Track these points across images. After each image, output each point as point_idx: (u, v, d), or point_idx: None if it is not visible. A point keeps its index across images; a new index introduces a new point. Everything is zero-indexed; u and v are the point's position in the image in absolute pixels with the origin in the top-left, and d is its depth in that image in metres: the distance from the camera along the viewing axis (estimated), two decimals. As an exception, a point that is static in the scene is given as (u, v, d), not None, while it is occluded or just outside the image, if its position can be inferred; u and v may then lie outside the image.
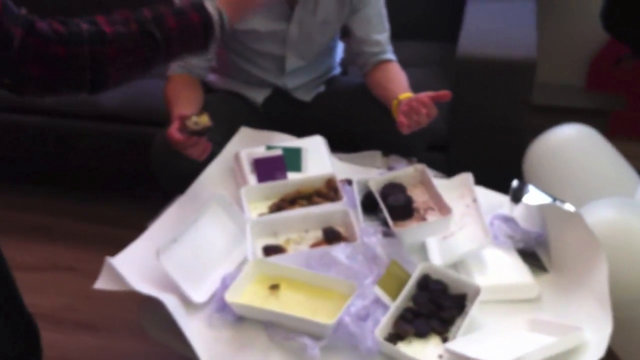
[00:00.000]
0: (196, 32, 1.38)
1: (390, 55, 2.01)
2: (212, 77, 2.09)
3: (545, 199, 1.55)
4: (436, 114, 1.71)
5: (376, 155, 1.93)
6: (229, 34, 1.94)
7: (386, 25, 2.02)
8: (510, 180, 1.70)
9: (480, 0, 2.36)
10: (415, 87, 2.20)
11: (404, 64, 2.32)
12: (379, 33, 2.00)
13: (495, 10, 2.30)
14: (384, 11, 2.01)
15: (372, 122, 1.95)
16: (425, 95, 1.72)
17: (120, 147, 2.46)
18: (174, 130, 1.68)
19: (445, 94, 1.70)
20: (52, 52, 1.22)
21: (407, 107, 1.72)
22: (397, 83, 1.91)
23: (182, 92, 1.90)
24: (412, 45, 2.56)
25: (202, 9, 1.39)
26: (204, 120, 1.66)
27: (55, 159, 2.60)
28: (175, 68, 1.94)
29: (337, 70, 2.20)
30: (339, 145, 1.95)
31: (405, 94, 1.82)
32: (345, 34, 2.07)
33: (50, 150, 2.55)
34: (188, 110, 1.76)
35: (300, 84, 2.09)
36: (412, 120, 1.71)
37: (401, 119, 1.72)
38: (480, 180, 1.75)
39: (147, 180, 2.13)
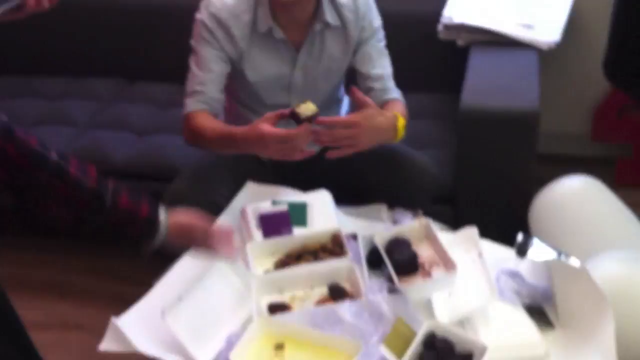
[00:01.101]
0: (137, 224, 1.46)
1: (395, 94, 2.04)
2: (220, 112, 2.10)
3: (551, 253, 1.55)
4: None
5: (381, 208, 1.94)
6: (237, 85, 2.00)
7: (387, 62, 2.05)
8: (517, 230, 1.70)
9: (482, 52, 2.38)
10: (419, 138, 2.23)
11: (408, 115, 2.35)
12: (380, 68, 2.03)
13: (498, 61, 2.32)
14: (384, 50, 2.05)
15: (377, 175, 1.97)
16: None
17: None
18: (265, 127, 1.74)
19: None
20: (17, 159, 1.30)
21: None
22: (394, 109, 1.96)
23: (215, 121, 1.92)
24: (415, 97, 2.56)
25: (155, 210, 1.48)
26: (311, 107, 1.75)
27: (66, 217, 2.62)
28: (193, 104, 1.93)
29: (344, 123, 2.22)
30: (344, 197, 1.96)
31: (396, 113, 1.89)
32: (351, 84, 2.10)
33: (61, 208, 2.56)
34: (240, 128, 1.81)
35: (306, 134, 2.11)
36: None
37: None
38: (486, 232, 1.75)
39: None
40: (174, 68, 2.71)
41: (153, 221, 1.47)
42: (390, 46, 2.06)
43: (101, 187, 1.39)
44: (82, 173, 1.37)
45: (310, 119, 1.73)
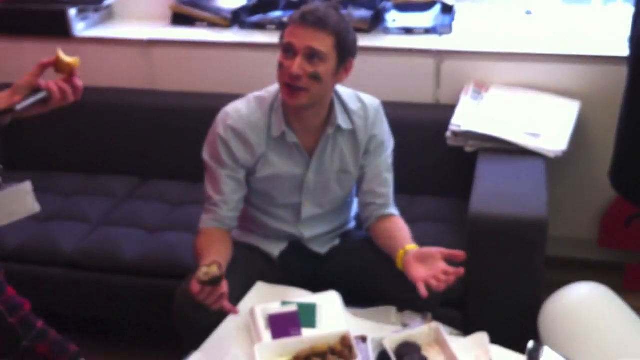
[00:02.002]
0: None
1: (394, 209, 2.09)
2: (234, 225, 2.14)
3: (562, 362, 1.54)
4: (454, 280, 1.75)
5: (391, 310, 1.94)
6: (251, 188, 2.04)
7: (392, 180, 2.11)
8: (528, 336, 1.69)
9: (490, 159, 2.43)
10: (429, 242, 2.23)
11: (418, 219, 2.38)
12: (386, 187, 2.08)
13: (506, 168, 2.36)
14: (391, 167, 2.11)
15: (386, 279, 1.97)
16: (438, 251, 1.78)
17: (139, 300, 2.47)
18: (193, 282, 1.73)
19: (459, 254, 1.75)
20: None
21: (423, 264, 1.78)
22: (402, 235, 1.98)
23: (213, 246, 1.95)
24: (424, 201, 2.62)
25: None
26: (213, 270, 1.73)
27: (74, 310, 2.62)
28: (206, 221, 2.01)
29: (352, 224, 2.26)
30: (353, 299, 1.96)
31: (411, 246, 1.89)
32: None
33: (68, 302, 2.57)
34: (214, 259, 1.82)
35: (316, 234, 2.14)
36: (439, 281, 1.74)
37: (419, 277, 1.76)
38: (495, 336, 1.74)
39: (165, 333, 2.14)
40: (186, 167, 2.80)
41: None
42: (400, 151, 2.12)
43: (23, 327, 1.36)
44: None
45: (211, 283, 1.72)
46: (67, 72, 1.44)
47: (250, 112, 1.99)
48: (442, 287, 1.74)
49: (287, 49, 1.87)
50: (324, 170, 2.04)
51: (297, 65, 1.84)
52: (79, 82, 1.49)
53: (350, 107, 2.02)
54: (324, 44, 1.85)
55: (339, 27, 1.88)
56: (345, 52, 1.90)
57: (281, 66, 1.89)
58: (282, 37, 1.91)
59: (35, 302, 1.97)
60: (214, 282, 1.72)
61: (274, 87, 2.02)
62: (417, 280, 1.76)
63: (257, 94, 2.04)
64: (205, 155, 2.03)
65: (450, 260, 1.78)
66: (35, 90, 1.49)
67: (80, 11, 3.03)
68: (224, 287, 1.76)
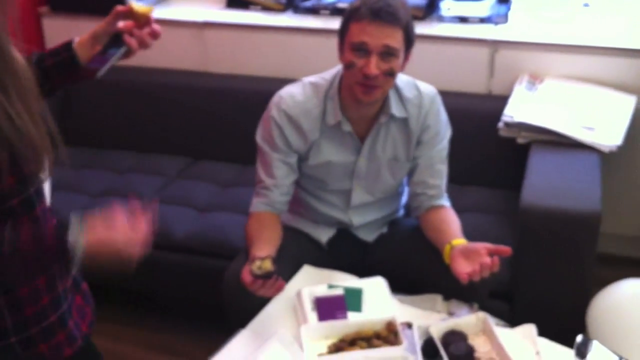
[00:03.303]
0: (51, 257, 1.31)
1: (445, 201, 2.05)
2: (284, 211, 2.15)
3: (612, 357, 1.52)
4: (498, 268, 1.72)
5: (437, 299, 1.94)
6: (302, 172, 2.05)
7: (446, 171, 2.08)
8: (575, 331, 1.68)
9: (543, 151, 2.40)
10: (478, 233, 2.21)
11: (468, 209, 2.37)
12: (439, 178, 2.05)
13: (559, 161, 2.33)
14: (446, 158, 2.08)
15: (433, 268, 1.96)
16: (483, 246, 1.75)
17: (188, 278, 2.52)
18: (245, 272, 1.76)
19: (505, 250, 1.73)
20: None
21: (467, 258, 1.76)
22: (451, 228, 1.95)
23: (264, 231, 1.97)
24: (474, 191, 2.61)
25: (61, 236, 1.29)
26: (267, 265, 1.75)
27: (125, 286, 2.68)
28: (258, 205, 2.03)
29: (401, 213, 2.25)
30: (399, 286, 1.96)
31: (458, 240, 1.86)
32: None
33: (121, 277, 2.61)
34: (266, 250, 1.85)
35: (365, 221, 2.14)
36: (475, 274, 1.73)
37: (462, 273, 1.74)
38: (543, 330, 1.73)
39: (213, 311, 2.17)
40: (237, 149, 2.83)
41: (62, 248, 1.29)
42: (453, 141, 2.09)
43: None
44: None
45: (263, 277, 1.74)
46: (142, 22, 1.42)
47: (306, 99, 1.99)
48: (485, 274, 1.73)
49: (359, 48, 1.83)
50: (376, 157, 2.04)
51: (374, 65, 1.82)
52: (156, 27, 1.45)
53: (406, 94, 2.00)
54: (397, 40, 1.83)
55: (407, 18, 1.85)
56: (411, 42, 1.89)
57: (352, 65, 1.86)
58: (345, 32, 1.86)
59: (88, 275, 2.00)
60: (267, 276, 1.74)
61: (329, 74, 2.02)
62: (459, 274, 1.75)
63: (312, 79, 2.03)
64: (259, 139, 2.05)
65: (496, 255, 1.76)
66: (115, 38, 1.44)
67: (138, -8, 3.07)
68: (281, 282, 1.77)
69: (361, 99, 1.90)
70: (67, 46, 1.44)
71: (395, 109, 1.98)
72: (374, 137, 2.01)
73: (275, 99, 2.02)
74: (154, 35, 1.46)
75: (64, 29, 3.18)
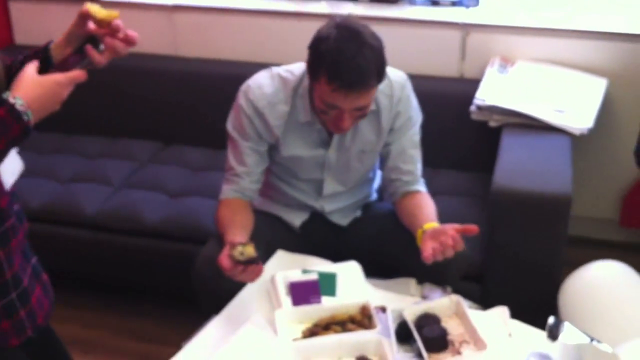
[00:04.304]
0: (9, 124, 1.25)
1: (420, 186, 2.05)
2: (255, 197, 2.14)
3: (583, 338, 1.54)
4: (462, 247, 1.73)
5: (410, 282, 1.95)
6: (274, 159, 2.04)
7: (419, 156, 2.07)
8: (546, 312, 1.69)
9: (514, 134, 2.42)
10: (450, 216, 2.22)
11: (440, 192, 2.38)
12: (412, 163, 2.05)
13: (530, 144, 2.35)
14: (418, 143, 2.07)
15: (406, 250, 1.96)
16: (451, 227, 1.75)
17: (160, 263, 2.50)
18: (223, 257, 1.73)
19: (472, 228, 1.73)
20: None
21: (434, 239, 1.74)
22: (425, 213, 1.94)
23: (237, 217, 1.95)
24: (448, 175, 2.62)
25: (3, 101, 1.25)
26: (249, 250, 1.72)
27: (95, 271, 2.65)
28: (228, 192, 2.01)
29: (374, 197, 2.25)
30: (373, 270, 1.97)
31: (430, 224, 1.85)
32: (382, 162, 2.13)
33: (91, 263, 2.60)
34: (241, 236, 1.83)
35: (337, 208, 2.14)
36: (437, 253, 1.72)
37: (426, 251, 1.73)
38: (514, 312, 1.75)
39: (184, 296, 2.16)
40: (208, 133, 2.81)
41: (13, 109, 1.25)
42: (424, 124, 2.09)
43: None
44: None
45: (245, 263, 1.71)
46: (104, 27, 1.32)
47: (273, 92, 1.96)
48: (449, 253, 1.72)
49: (332, 106, 1.82)
50: (345, 149, 2.02)
51: (347, 122, 1.84)
52: (132, 34, 1.36)
53: None
54: (370, 95, 1.83)
55: (378, 66, 1.80)
56: (383, 74, 1.84)
57: (323, 112, 1.85)
58: (316, 79, 1.81)
59: (57, 261, 1.99)
60: (250, 262, 1.72)
61: (298, 69, 1.98)
62: (423, 255, 1.73)
63: (281, 72, 2.00)
64: (229, 127, 2.03)
65: (465, 235, 1.76)
66: (90, 41, 1.36)
67: (106, -26, 3.02)
68: (260, 267, 1.75)
69: (332, 130, 1.92)
70: (45, 47, 1.39)
71: None
72: None
73: (244, 87, 2.00)
74: (129, 42, 1.37)
75: (32, 14, 3.12)
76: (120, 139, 2.97)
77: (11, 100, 1.24)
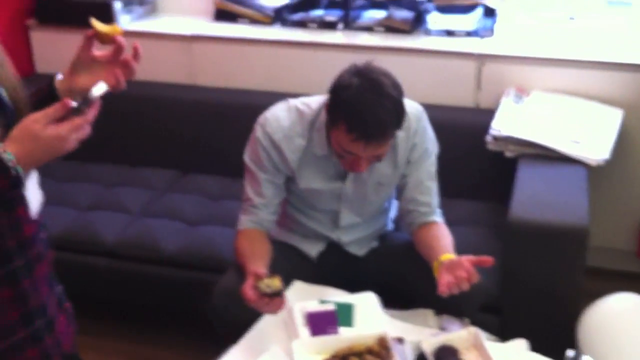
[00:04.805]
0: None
1: (436, 217, 2.05)
2: (273, 228, 2.15)
3: (602, 372, 1.53)
4: (478, 279, 1.73)
5: (428, 314, 1.95)
6: (291, 190, 2.05)
7: (436, 187, 2.08)
8: (565, 344, 1.68)
9: (530, 165, 2.42)
10: (466, 246, 2.22)
11: (456, 222, 2.37)
12: (428, 194, 2.05)
13: (546, 175, 2.35)
14: (434, 174, 2.08)
15: (423, 281, 1.96)
16: (466, 259, 1.75)
17: (177, 291, 2.51)
18: (248, 288, 1.75)
19: (487, 260, 1.74)
20: None
21: (449, 272, 1.75)
22: (441, 244, 1.94)
23: (256, 247, 1.97)
24: (463, 204, 2.62)
25: None
26: (276, 284, 1.74)
27: (113, 299, 2.67)
28: (246, 222, 2.02)
29: (391, 227, 2.26)
30: (390, 300, 1.97)
31: (446, 255, 1.85)
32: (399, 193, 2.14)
33: (109, 291, 2.61)
34: (262, 265, 1.85)
35: (354, 238, 2.15)
36: (452, 286, 1.73)
37: (442, 285, 1.74)
38: (534, 344, 1.74)
39: (202, 325, 2.16)
40: (225, 162, 2.83)
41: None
42: (440, 154, 2.10)
43: None
44: None
45: (272, 295, 1.74)
46: (108, 42, 1.32)
47: (290, 125, 1.98)
48: (464, 286, 1.73)
49: (349, 153, 1.85)
50: (362, 182, 2.03)
51: (364, 166, 1.87)
52: (130, 63, 1.35)
53: None
54: (387, 144, 1.86)
55: (398, 116, 1.82)
56: (401, 123, 1.87)
57: (341, 156, 1.89)
58: (335, 124, 1.83)
59: (76, 288, 1.99)
60: (276, 294, 1.74)
61: (315, 103, 2.00)
62: (438, 287, 1.75)
63: (298, 104, 2.01)
64: (246, 158, 2.04)
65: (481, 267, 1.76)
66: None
67: (126, 4, 3.07)
68: (285, 301, 1.77)
69: (348, 171, 1.95)
70: (49, 85, 1.38)
71: None
72: None
73: (261, 119, 2.02)
74: (128, 71, 1.37)
75: (51, 41, 3.18)
76: (138, 167, 2.99)
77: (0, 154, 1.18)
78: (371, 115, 1.77)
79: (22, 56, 3.15)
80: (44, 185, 1.48)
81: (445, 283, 1.73)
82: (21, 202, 1.31)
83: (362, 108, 1.78)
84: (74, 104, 1.23)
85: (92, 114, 1.26)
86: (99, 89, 1.27)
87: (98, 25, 1.33)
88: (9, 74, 1.29)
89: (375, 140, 1.80)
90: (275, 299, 1.74)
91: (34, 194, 1.36)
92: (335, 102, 1.85)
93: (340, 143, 1.84)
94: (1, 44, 1.30)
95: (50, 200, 2.57)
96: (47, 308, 1.38)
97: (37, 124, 1.21)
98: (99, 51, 1.37)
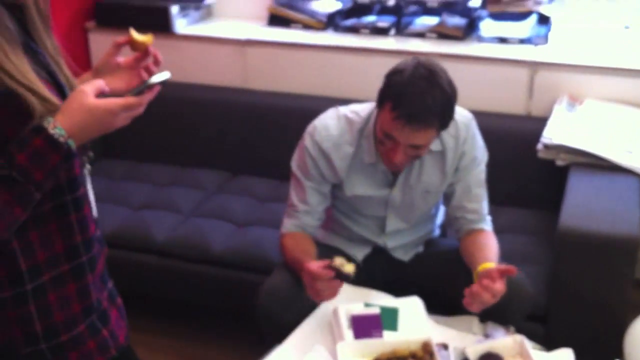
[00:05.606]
0: (46, 153, 1.20)
1: (484, 224, 2.05)
2: (316, 232, 2.18)
3: (649, 385, 1.51)
4: (502, 292, 1.74)
5: (473, 320, 1.94)
6: (337, 196, 2.07)
7: (485, 194, 2.07)
8: (611, 355, 1.66)
9: (582, 174, 2.39)
10: (515, 254, 2.23)
11: (505, 230, 2.37)
12: (477, 202, 2.05)
13: (598, 184, 2.32)
14: (483, 181, 2.07)
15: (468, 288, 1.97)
16: (496, 269, 1.76)
17: (224, 291, 2.55)
18: (312, 264, 1.80)
19: (511, 269, 1.75)
20: None
21: (479, 282, 1.77)
22: (483, 252, 1.93)
23: (306, 247, 2.00)
24: (511, 212, 2.60)
25: (41, 130, 1.20)
26: (349, 268, 1.78)
27: (162, 297, 2.72)
28: (290, 226, 2.06)
29: (437, 232, 2.26)
30: (435, 306, 1.97)
31: (485, 264, 1.85)
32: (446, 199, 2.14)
33: (158, 289, 2.66)
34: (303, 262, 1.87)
35: (400, 244, 2.16)
36: (476, 301, 1.74)
37: (466, 299, 1.76)
38: (579, 354, 1.73)
39: (248, 325, 2.19)
40: (275, 165, 2.86)
41: (51, 139, 1.20)
42: (490, 162, 2.10)
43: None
44: None
45: (340, 276, 1.78)
46: (141, 50, 1.41)
47: (339, 133, 2.00)
48: (481, 305, 1.75)
49: (388, 137, 1.85)
50: (409, 189, 2.04)
51: (400, 155, 1.86)
52: (151, 68, 1.43)
53: None
54: (426, 138, 1.85)
55: (444, 109, 1.82)
56: (447, 123, 1.87)
57: (381, 142, 1.90)
58: (382, 105, 1.85)
59: (126, 285, 2.05)
60: (343, 278, 1.78)
61: (364, 111, 2.02)
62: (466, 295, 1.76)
63: (347, 112, 2.03)
64: (293, 165, 2.07)
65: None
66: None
67: (182, 8, 3.13)
68: (340, 287, 1.82)
69: (387, 166, 1.95)
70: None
71: (432, 143, 1.98)
72: (407, 171, 2.02)
73: (310, 128, 2.04)
74: (156, 62, 1.45)
75: (109, 43, 3.24)
76: (190, 168, 3.04)
77: (50, 130, 1.19)
78: (417, 97, 1.78)
79: (81, 58, 3.24)
80: (97, 183, 1.53)
81: (468, 292, 1.74)
82: (87, 200, 1.36)
83: (410, 90, 1.79)
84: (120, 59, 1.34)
85: (147, 97, 1.29)
86: (161, 76, 1.32)
87: (135, 34, 1.41)
88: (67, 75, 1.35)
89: (415, 122, 1.79)
90: (335, 281, 1.77)
91: (91, 194, 1.42)
92: (386, 84, 1.87)
93: (382, 125, 1.85)
94: (61, 45, 1.36)
95: (105, 198, 2.70)
96: (102, 301, 1.43)
97: (87, 96, 1.23)
98: (121, 57, 1.45)
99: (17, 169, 1.18)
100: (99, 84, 1.26)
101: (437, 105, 1.80)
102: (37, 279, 1.30)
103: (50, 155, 1.19)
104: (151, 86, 1.30)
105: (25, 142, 1.19)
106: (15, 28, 1.25)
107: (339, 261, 1.78)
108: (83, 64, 3.30)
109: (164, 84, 1.31)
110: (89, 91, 1.23)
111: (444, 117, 1.84)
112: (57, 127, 1.20)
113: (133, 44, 1.43)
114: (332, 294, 1.82)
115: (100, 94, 1.25)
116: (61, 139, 1.20)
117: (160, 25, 3.06)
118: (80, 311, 1.37)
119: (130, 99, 1.26)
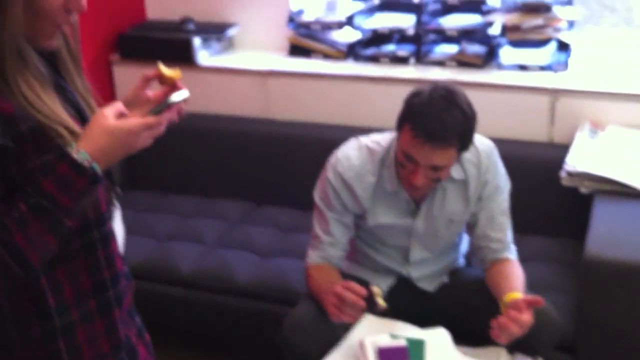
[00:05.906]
0: (72, 178, 1.21)
1: (509, 253, 2.04)
2: (341, 263, 2.18)
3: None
4: (530, 323, 1.73)
5: (501, 351, 1.92)
6: (360, 226, 2.08)
7: (508, 223, 2.07)
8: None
9: (607, 202, 2.37)
10: (540, 283, 2.21)
11: (528, 258, 2.36)
12: (501, 231, 2.05)
13: (624, 212, 2.31)
14: (507, 210, 2.07)
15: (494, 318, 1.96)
16: (523, 300, 1.76)
17: (248, 321, 2.55)
18: (344, 283, 1.85)
19: (537, 300, 1.75)
20: None
21: (506, 313, 1.77)
22: (509, 282, 1.93)
23: (332, 278, 2.00)
24: (536, 240, 2.59)
25: (64, 156, 1.21)
26: (383, 302, 1.85)
27: (186, 329, 2.73)
28: (315, 258, 2.07)
29: (461, 261, 2.26)
30: (462, 336, 1.96)
31: (512, 294, 1.84)
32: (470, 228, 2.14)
33: (183, 320, 2.67)
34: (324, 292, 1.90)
35: (424, 274, 2.16)
36: (504, 333, 1.74)
37: (494, 331, 1.76)
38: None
39: (272, 356, 2.19)
40: (298, 195, 2.86)
41: (75, 164, 1.21)
42: (513, 190, 2.10)
43: (30, 202, 1.20)
44: (13, 210, 1.20)
45: (372, 308, 1.84)
46: (169, 84, 1.40)
47: (361, 164, 2.01)
48: (515, 331, 1.75)
49: (408, 158, 1.86)
50: (432, 218, 2.05)
51: (421, 177, 1.86)
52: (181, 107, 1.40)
53: (464, 155, 1.98)
54: (447, 158, 1.85)
55: (463, 130, 1.84)
56: (466, 148, 1.89)
57: (402, 165, 1.91)
58: (401, 128, 1.87)
59: (152, 317, 2.05)
60: (372, 307, 1.82)
61: (385, 140, 2.04)
62: (493, 327, 1.76)
63: (368, 143, 2.05)
64: (316, 197, 2.08)
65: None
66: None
67: (204, 40, 3.17)
68: (363, 314, 1.84)
69: (407, 191, 1.96)
70: None
71: (454, 171, 1.98)
72: (430, 200, 2.03)
73: (332, 160, 2.06)
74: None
75: (134, 76, 3.27)
76: (214, 198, 3.06)
77: (74, 155, 1.20)
78: (436, 115, 1.80)
79: (105, 90, 3.28)
80: (125, 215, 1.54)
81: (496, 324, 1.74)
82: (113, 237, 1.38)
83: (429, 110, 1.81)
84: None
85: (166, 116, 1.30)
86: (180, 95, 1.34)
87: (164, 69, 1.42)
88: (93, 106, 1.37)
89: (435, 140, 1.80)
90: (360, 305, 1.80)
91: (119, 230, 1.43)
92: (405, 107, 1.89)
93: (402, 147, 1.87)
94: (87, 77, 1.38)
95: (131, 230, 2.71)
96: (130, 337, 1.44)
97: (107, 118, 1.23)
98: (150, 91, 1.43)
99: (45, 196, 1.19)
100: (118, 106, 1.27)
101: (456, 123, 1.81)
102: (65, 315, 1.31)
103: (76, 180, 1.20)
104: (170, 105, 1.32)
105: (50, 168, 1.20)
106: (47, 70, 1.28)
107: (376, 290, 1.81)
108: (107, 96, 3.34)
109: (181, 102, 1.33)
110: (108, 114, 1.25)
111: (464, 136, 1.85)
112: (81, 151, 1.21)
113: (162, 78, 1.43)
114: (354, 315, 1.83)
115: (120, 116, 1.27)
116: (85, 163, 1.20)
117: (183, 57, 3.10)
118: (109, 348, 1.38)
119: (150, 119, 1.27)
